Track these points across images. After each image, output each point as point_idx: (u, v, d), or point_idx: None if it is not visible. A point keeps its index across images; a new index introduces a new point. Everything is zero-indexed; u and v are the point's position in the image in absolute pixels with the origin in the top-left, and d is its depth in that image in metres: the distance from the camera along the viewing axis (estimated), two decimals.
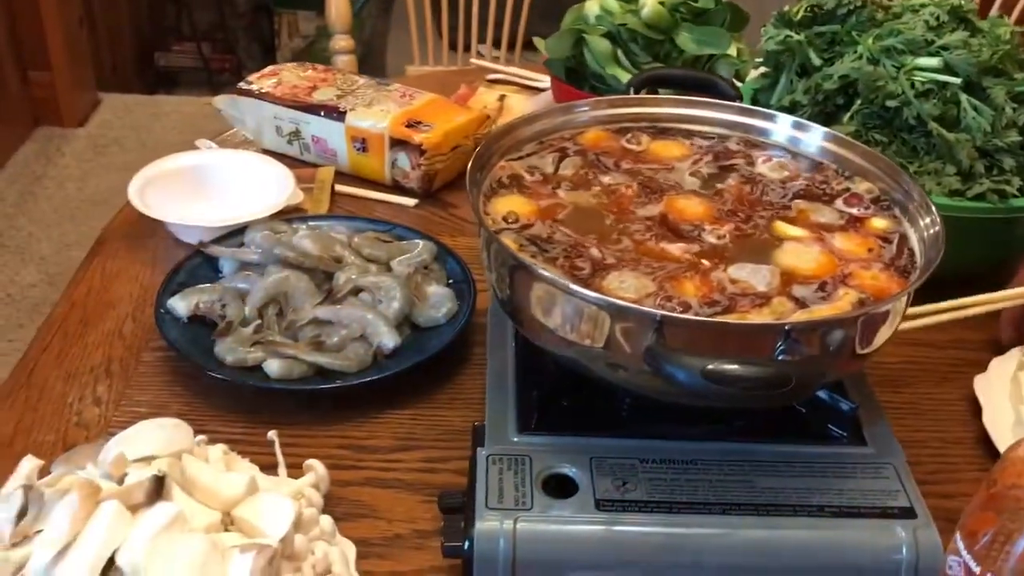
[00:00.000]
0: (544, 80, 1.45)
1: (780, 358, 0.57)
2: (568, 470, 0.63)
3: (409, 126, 1.10)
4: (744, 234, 0.70)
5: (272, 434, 0.73)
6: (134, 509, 0.57)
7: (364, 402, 0.82)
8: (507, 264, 0.66)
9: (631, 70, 1.17)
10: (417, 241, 0.97)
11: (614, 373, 0.64)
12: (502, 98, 1.40)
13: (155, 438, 0.63)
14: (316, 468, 0.69)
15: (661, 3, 1.16)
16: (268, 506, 0.60)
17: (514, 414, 0.68)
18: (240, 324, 0.85)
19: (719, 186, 0.76)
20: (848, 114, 0.97)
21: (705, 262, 0.66)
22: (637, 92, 0.85)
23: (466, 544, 0.59)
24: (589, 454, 0.64)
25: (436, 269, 0.94)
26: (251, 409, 0.81)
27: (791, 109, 1.01)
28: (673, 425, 0.67)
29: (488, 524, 0.59)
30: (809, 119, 0.85)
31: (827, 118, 1.00)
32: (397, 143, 1.11)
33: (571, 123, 0.81)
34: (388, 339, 0.84)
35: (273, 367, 0.81)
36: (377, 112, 1.12)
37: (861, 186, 0.75)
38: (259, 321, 0.86)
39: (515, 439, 0.66)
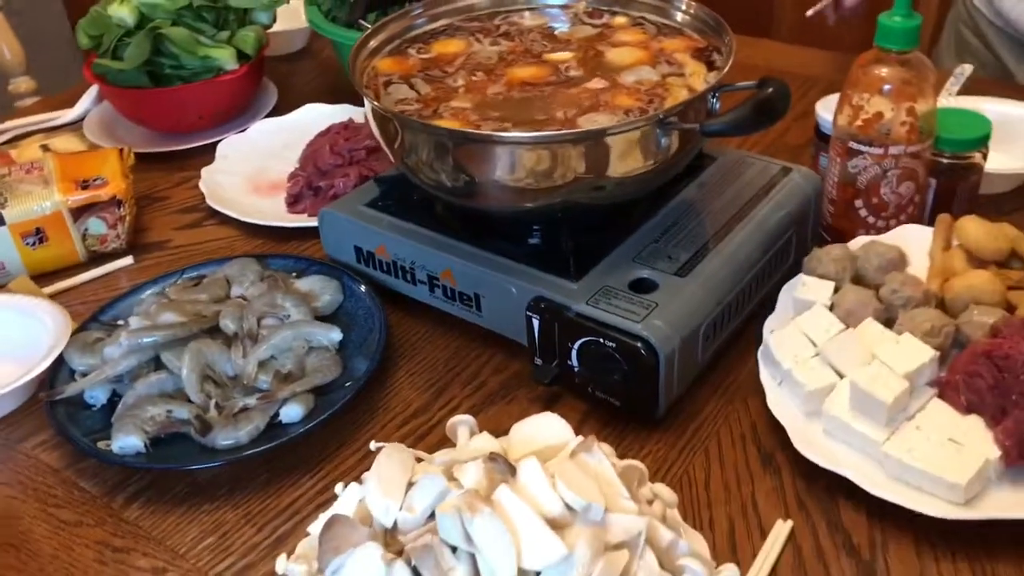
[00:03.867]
0: (60, 114, 1.33)
1: None
2: (638, 272, 0.78)
3: (85, 187, 0.99)
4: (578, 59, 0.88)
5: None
6: None
7: (375, 394, 0.83)
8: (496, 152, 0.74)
9: (218, 44, 1.18)
10: (223, 270, 0.93)
11: (594, 194, 0.78)
12: (45, 148, 1.26)
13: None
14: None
15: None
16: None
17: (553, 275, 0.79)
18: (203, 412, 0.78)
19: (505, 47, 0.91)
20: None
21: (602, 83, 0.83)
22: (363, 19, 0.93)
23: (657, 357, 0.72)
24: (626, 257, 0.80)
25: (272, 273, 0.93)
26: (294, 464, 0.77)
27: None
28: (616, 215, 0.85)
29: (663, 335, 0.72)
30: None
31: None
32: (80, 212, 0.99)
33: (368, 66, 0.88)
34: (334, 333, 0.85)
35: (295, 411, 0.77)
36: (33, 194, 0.98)
37: (579, 6, 0.97)
38: (212, 400, 0.79)
39: (575, 286, 0.78)
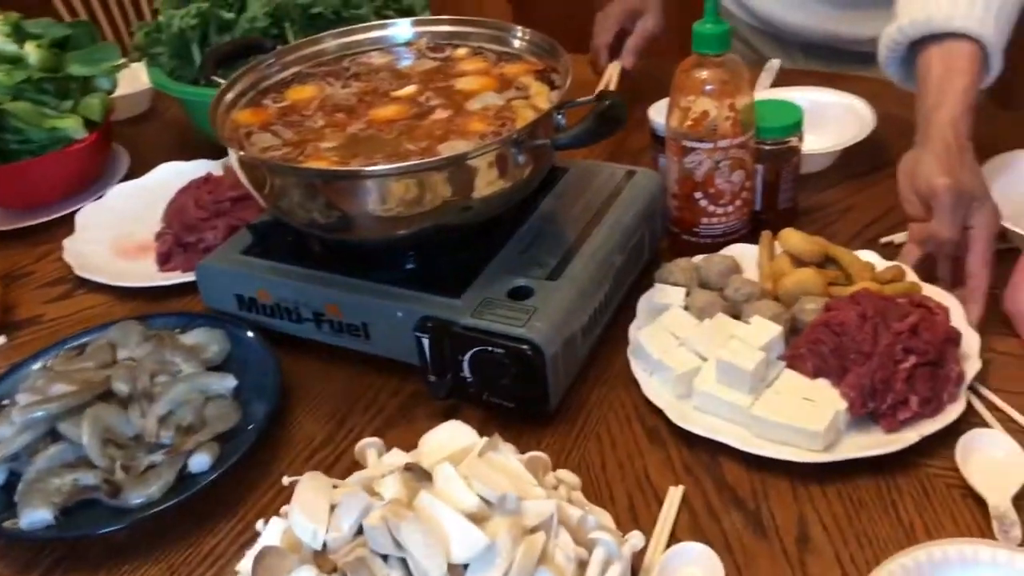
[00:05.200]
0: None
1: None
2: (514, 281, 0.84)
3: None
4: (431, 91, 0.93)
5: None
6: None
7: (278, 433, 0.86)
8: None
9: (63, 114, 1.18)
10: (106, 336, 0.93)
11: (462, 214, 0.83)
12: None
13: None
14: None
15: (39, 46, 1.17)
16: None
17: (435, 294, 0.84)
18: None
19: (356, 88, 0.95)
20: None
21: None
22: (215, 75, 0.95)
23: (543, 355, 0.78)
24: (501, 269, 0.86)
25: (156, 332, 0.94)
26: (210, 511, 0.79)
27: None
28: (487, 231, 0.90)
29: (545, 336, 0.78)
30: None
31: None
32: None
33: (227, 119, 0.90)
34: (228, 380, 0.87)
35: (203, 460, 0.79)
36: None
37: (421, 42, 1.02)
38: (117, 463, 0.80)
39: (458, 302, 0.83)
